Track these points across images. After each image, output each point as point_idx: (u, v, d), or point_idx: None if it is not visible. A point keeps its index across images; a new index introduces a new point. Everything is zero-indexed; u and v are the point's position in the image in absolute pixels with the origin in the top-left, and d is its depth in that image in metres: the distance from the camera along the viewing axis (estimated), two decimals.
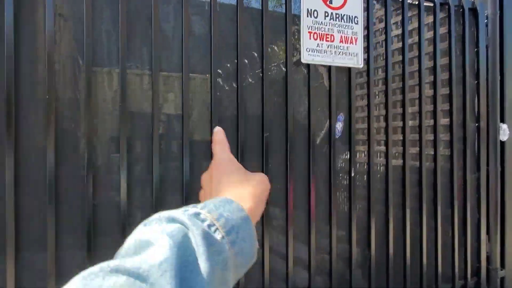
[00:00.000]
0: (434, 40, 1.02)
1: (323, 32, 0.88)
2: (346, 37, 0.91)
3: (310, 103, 0.84)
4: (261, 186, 0.54)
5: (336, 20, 0.89)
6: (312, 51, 0.86)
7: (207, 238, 0.36)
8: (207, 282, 0.32)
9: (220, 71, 0.73)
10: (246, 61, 0.78)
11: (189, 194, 0.69)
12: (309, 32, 0.86)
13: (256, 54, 0.80)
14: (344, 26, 0.90)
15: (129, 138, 0.66)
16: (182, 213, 0.38)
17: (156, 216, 0.39)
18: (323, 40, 0.88)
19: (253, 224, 0.45)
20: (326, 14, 0.87)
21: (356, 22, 0.92)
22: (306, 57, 0.86)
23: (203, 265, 0.33)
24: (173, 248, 0.32)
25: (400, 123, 0.98)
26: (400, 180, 0.96)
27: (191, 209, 0.40)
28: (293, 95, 0.82)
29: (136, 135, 0.68)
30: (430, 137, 1.02)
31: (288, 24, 0.83)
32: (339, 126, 0.89)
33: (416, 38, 1.01)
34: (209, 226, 0.38)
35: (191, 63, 0.70)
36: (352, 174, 0.86)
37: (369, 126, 0.91)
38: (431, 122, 1.02)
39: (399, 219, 0.94)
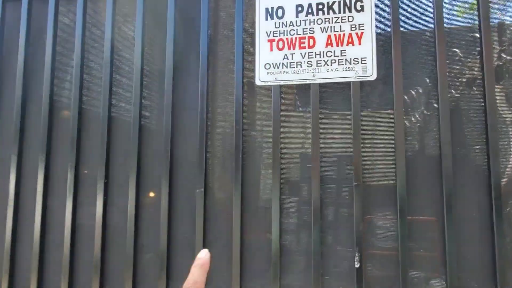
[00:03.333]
0: None
1: (293, 36, 0.58)
2: (339, 35, 0.56)
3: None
4: None
5: (318, 15, 0.57)
6: (274, 67, 0.58)
7: None
8: None
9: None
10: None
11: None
12: (268, 40, 0.58)
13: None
14: (334, 20, 0.56)
15: None
16: None
17: None
18: (294, 49, 0.58)
19: None
20: (300, 9, 0.58)
21: (359, 8, 0.55)
22: (262, 77, 0.58)
23: None
24: None
25: None
26: None
27: None
28: None
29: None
30: None
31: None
32: None
33: None
34: None
35: None
36: None
37: None
38: None
39: None
